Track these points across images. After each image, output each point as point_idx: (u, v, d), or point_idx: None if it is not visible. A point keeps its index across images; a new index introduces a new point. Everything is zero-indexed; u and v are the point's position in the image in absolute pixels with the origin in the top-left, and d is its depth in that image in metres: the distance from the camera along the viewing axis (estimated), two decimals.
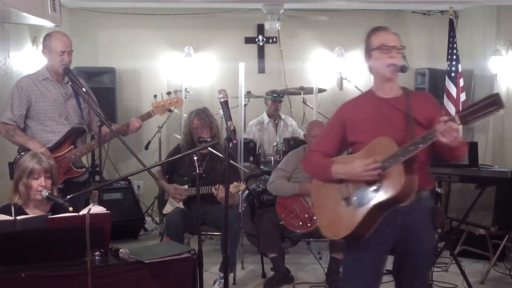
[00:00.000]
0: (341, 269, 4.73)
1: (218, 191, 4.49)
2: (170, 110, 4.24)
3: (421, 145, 2.62)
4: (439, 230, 2.97)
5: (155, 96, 4.21)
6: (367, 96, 2.97)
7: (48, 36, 4.00)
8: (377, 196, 2.74)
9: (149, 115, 4.15)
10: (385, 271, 3.09)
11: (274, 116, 6.42)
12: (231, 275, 4.68)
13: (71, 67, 4.05)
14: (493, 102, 2.44)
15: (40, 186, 3.30)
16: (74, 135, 3.98)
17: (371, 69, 2.93)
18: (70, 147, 3.95)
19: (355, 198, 2.82)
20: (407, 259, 2.88)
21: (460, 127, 2.55)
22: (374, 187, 2.76)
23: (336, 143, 2.97)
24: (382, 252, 2.88)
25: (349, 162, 2.85)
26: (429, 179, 2.91)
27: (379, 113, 2.86)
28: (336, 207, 2.89)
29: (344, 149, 3.04)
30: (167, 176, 4.93)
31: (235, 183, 4.47)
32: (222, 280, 4.53)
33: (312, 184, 3.08)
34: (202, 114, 4.87)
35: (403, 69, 2.82)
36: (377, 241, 2.81)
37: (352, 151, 2.97)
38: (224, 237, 3.37)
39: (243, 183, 4.57)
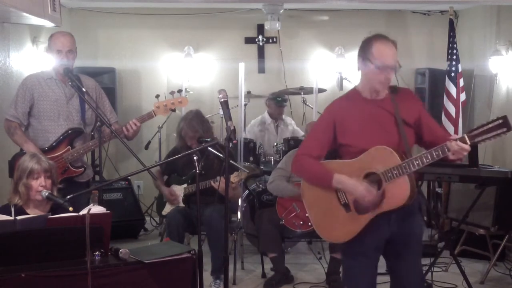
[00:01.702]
0: (341, 269, 4.76)
1: (219, 183, 4.39)
2: (173, 110, 4.15)
3: (428, 161, 2.66)
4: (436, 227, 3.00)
5: (158, 96, 4.10)
6: (354, 96, 2.94)
7: (50, 36, 4.01)
8: (381, 205, 2.76)
9: (149, 116, 4.04)
10: (382, 272, 3.11)
11: (277, 117, 6.39)
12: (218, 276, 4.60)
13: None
14: (501, 124, 2.49)
15: (40, 186, 3.30)
16: (71, 136, 3.96)
17: (362, 71, 2.91)
18: (67, 148, 3.94)
19: (354, 205, 2.84)
20: (400, 246, 2.89)
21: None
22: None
23: (326, 145, 2.93)
24: (379, 248, 2.91)
25: (349, 171, 2.83)
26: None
27: (368, 115, 2.84)
28: (335, 212, 2.89)
29: (331, 149, 2.98)
30: (165, 177, 4.91)
31: (235, 173, 4.43)
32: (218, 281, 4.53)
33: (302, 184, 3.07)
34: (192, 121, 4.72)
35: (391, 89, 2.86)
36: (375, 239, 2.86)
37: (340, 153, 2.93)
38: (224, 236, 3.36)
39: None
